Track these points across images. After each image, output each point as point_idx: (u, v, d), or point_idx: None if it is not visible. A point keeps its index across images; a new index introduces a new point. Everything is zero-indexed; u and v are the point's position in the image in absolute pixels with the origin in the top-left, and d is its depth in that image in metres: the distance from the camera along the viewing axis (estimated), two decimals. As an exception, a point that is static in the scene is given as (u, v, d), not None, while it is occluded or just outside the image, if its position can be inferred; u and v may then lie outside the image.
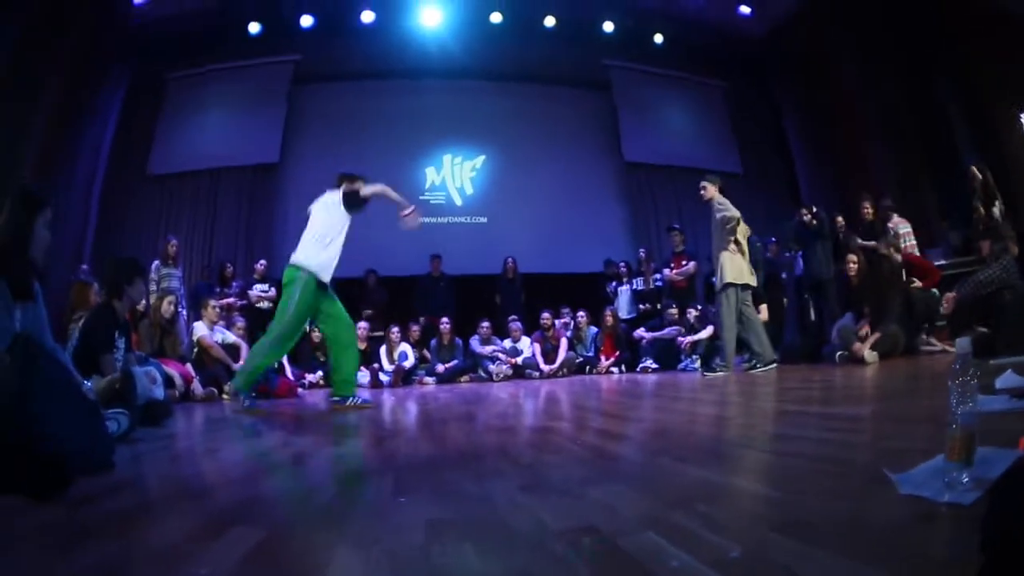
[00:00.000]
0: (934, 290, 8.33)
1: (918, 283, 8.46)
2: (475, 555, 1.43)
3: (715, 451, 2.76)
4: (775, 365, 7.99)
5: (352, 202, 6.21)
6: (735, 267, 8.09)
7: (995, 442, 1.64)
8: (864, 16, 12.16)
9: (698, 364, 9.82)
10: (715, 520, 1.53)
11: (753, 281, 8.33)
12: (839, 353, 8.06)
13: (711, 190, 8.29)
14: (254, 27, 13.82)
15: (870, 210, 9.74)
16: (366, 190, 6.26)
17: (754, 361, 8.06)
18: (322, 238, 6.13)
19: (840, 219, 10.07)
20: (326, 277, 6.13)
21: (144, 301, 7.98)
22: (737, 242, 8.17)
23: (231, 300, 10.83)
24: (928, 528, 1.36)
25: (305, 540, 1.77)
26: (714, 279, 8.31)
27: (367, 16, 14.04)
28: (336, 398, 6.19)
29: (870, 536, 1.33)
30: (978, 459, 1.52)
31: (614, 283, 12.62)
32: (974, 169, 9.24)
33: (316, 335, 10.00)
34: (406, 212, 6.58)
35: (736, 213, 8.11)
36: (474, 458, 2.96)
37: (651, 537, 1.41)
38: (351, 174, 6.49)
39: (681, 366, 10.29)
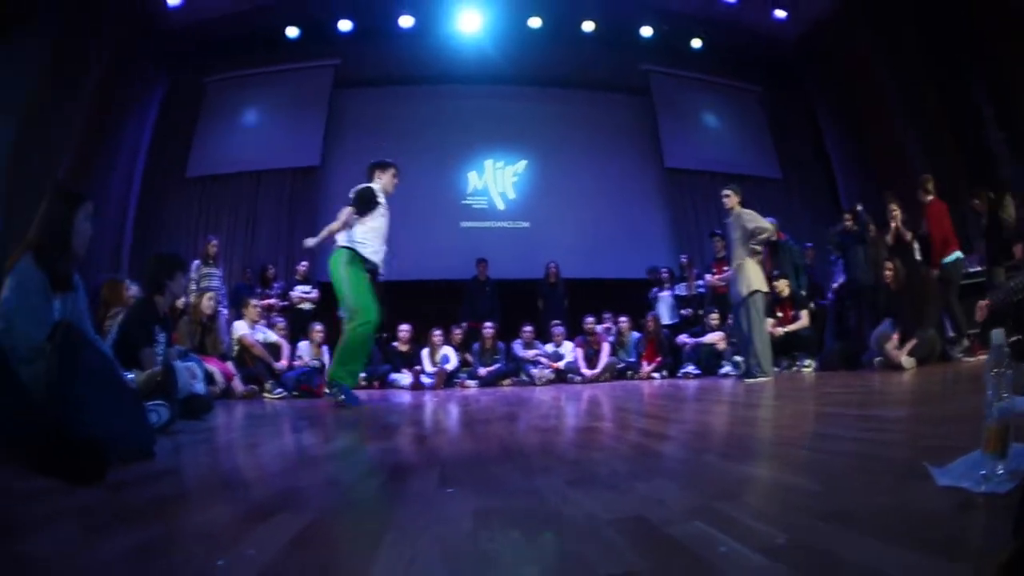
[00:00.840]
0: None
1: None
2: (524, 541, 1.43)
3: (758, 449, 2.82)
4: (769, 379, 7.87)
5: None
6: (759, 275, 8.13)
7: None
8: (897, 18, 11.98)
9: (740, 371, 9.68)
10: (760, 511, 1.58)
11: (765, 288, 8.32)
12: (876, 359, 8.06)
13: (734, 199, 8.28)
14: (292, 31, 13.89)
15: (896, 212, 9.51)
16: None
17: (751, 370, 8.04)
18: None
19: (872, 226, 9.88)
20: (364, 252, 6.15)
21: (184, 299, 8.03)
22: (758, 252, 8.21)
23: (272, 301, 10.84)
24: (965, 516, 1.39)
25: (352, 526, 1.76)
26: (733, 286, 8.20)
27: (406, 21, 14.01)
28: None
29: (910, 524, 1.34)
30: (1013, 453, 1.54)
31: (655, 288, 12.50)
32: (975, 203, 9.10)
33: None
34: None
35: (768, 225, 8.17)
36: (519, 455, 2.91)
37: (699, 526, 1.41)
38: (380, 162, 6.62)
39: (722, 372, 10.14)
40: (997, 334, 1.63)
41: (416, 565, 1.28)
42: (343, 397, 5.97)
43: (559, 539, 1.44)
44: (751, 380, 7.65)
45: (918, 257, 9.00)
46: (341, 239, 6.17)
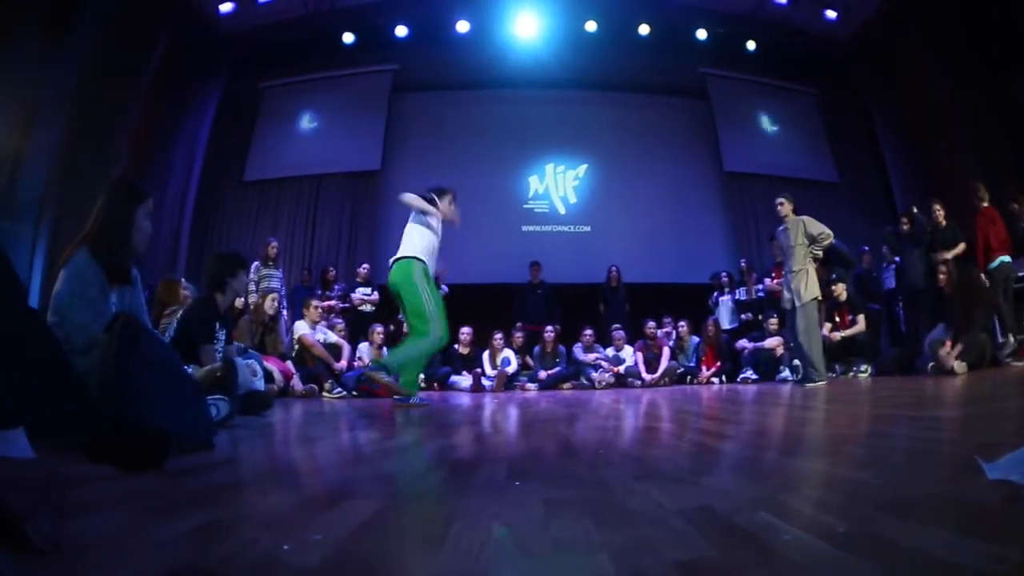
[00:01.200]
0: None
1: None
2: (595, 528, 1.38)
3: (816, 447, 2.89)
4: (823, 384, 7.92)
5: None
6: (816, 282, 8.20)
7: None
8: (944, 17, 11.80)
9: (798, 376, 9.54)
10: (821, 502, 1.62)
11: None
12: (930, 365, 8.10)
13: (788, 207, 8.40)
14: (348, 37, 14.04)
15: (941, 213, 9.45)
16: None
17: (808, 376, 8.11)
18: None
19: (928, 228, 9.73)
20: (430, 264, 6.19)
21: (244, 299, 8.10)
22: (819, 257, 8.34)
23: (332, 303, 10.90)
24: (1015, 506, 1.39)
25: (420, 514, 1.74)
26: (791, 291, 8.20)
27: (462, 26, 14.12)
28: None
29: (962, 513, 1.39)
30: None
31: (716, 293, 12.40)
32: (1014, 207, 9.08)
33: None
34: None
35: (829, 230, 8.24)
36: (583, 451, 2.89)
37: (763, 516, 1.42)
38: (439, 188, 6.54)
39: (780, 377, 10.05)
40: None
41: (489, 549, 1.27)
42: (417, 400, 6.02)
43: (628, 527, 1.40)
44: (811, 385, 7.71)
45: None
46: (413, 250, 6.15)
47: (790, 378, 9.53)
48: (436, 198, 6.37)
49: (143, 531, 1.42)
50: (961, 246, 9.07)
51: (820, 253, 8.24)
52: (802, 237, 8.15)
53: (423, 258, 6.11)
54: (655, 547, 1.23)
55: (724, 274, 12.42)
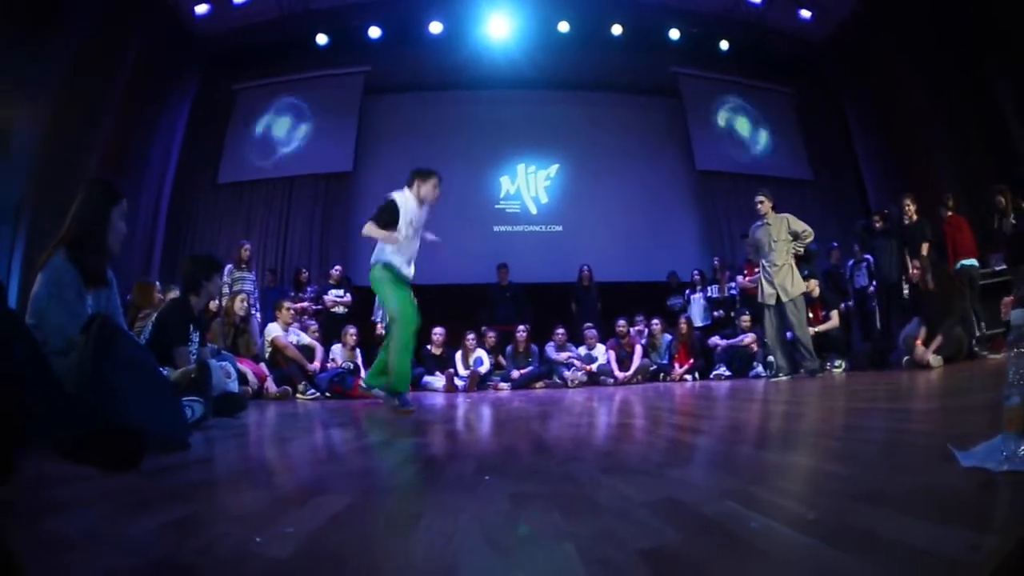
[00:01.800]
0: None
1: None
2: (563, 521, 1.41)
3: (790, 440, 2.87)
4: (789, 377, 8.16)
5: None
6: (800, 277, 8.37)
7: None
8: (919, 18, 11.90)
9: (773, 371, 9.63)
10: (792, 492, 1.64)
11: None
12: (905, 359, 8.13)
13: (767, 204, 8.49)
14: (322, 39, 13.96)
15: (912, 209, 9.51)
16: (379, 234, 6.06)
17: (778, 372, 8.32)
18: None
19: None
20: (400, 268, 6.06)
21: (217, 302, 8.09)
22: (800, 254, 8.46)
23: (305, 304, 10.88)
24: (988, 493, 1.42)
25: (391, 507, 1.77)
26: (773, 287, 8.32)
27: (435, 27, 14.07)
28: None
29: (936, 501, 1.40)
30: None
31: (688, 291, 12.49)
32: (999, 200, 9.02)
33: (380, 328, 10.16)
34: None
35: (811, 229, 8.42)
36: (554, 447, 2.95)
37: (731, 505, 1.45)
38: (421, 169, 6.41)
39: (753, 373, 10.11)
40: (1017, 314, 1.66)
41: (456, 540, 1.29)
42: (398, 403, 5.98)
43: (594, 518, 1.44)
44: (818, 374, 8.03)
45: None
46: (379, 253, 6.07)
47: (763, 374, 9.64)
48: (419, 180, 6.30)
49: (121, 526, 1.46)
50: (926, 246, 9.12)
51: (801, 250, 8.38)
52: (786, 233, 8.32)
53: (388, 259, 6.00)
54: (620, 537, 1.26)
55: (695, 272, 12.48)
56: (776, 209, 8.57)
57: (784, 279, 8.21)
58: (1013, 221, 8.78)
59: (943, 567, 1.01)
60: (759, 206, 8.51)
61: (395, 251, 6.04)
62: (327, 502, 1.66)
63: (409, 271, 6.09)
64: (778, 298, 8.25)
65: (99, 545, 1.30)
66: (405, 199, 6.09)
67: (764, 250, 8.49)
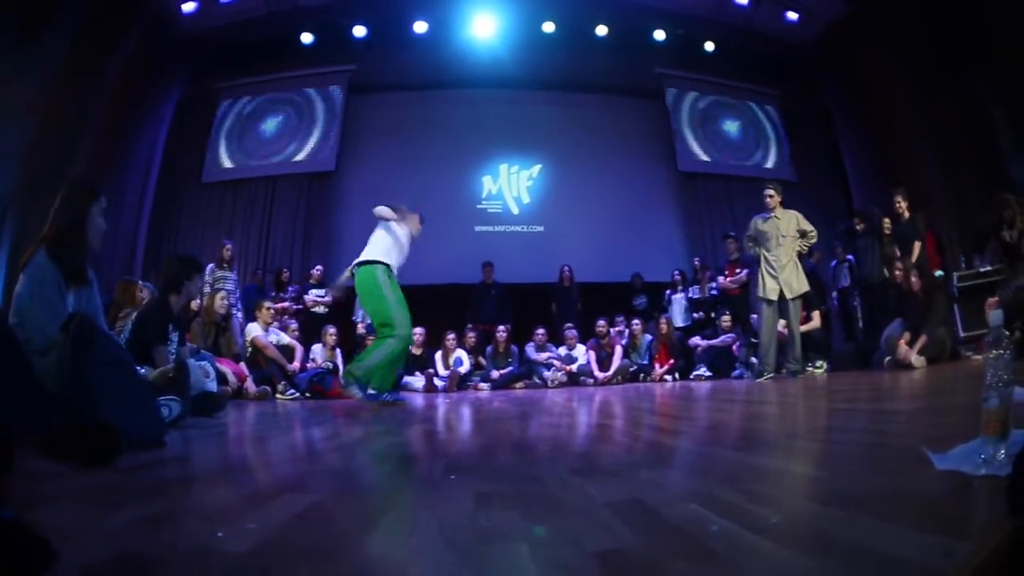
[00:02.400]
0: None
1: None
2: (521, 520, 1.44)
3: (764, 441, 2.81)
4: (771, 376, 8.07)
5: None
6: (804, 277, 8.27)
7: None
8: (907, 20, 11.95)
9: (756, 372, 9.68)
10: (759, 495, 1.58)
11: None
12: (887, 359, 8.12)
13: (777, 198, 8.34)
14: (307, 38, 13.95)
15: (903, 205, 9.52)
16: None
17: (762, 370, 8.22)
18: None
19: (887, 221, 9.87)
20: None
21: (198, 301, 8.10)
22: (804, 252, 8.39)
23: (286, 304, 10.90)
24: (965, 498, 1.39)
25: (355, 505, 1.79)
26: (778, 282, 8.19)
27: (420, 27, 14.06)
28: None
29: (908, 505, 1.36)
30: (1015, 438, 1.53)
31: (668, 291, 12.49)
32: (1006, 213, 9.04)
33: (361, 327, 10.31)
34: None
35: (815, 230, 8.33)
36: (527, 447, 2.97)
37: (694, 508, 1.45)
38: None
39: (735, 374, 10.16)
40: (995, 315, 1.63)
41: (414, 539, 1.34)
42: (392, 397, 6.12)
43: (554, 519, 1.47)
44: (799, 375, 7.97)
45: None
46: (376, 253, 6.21)
47: (745, 375, 9.70)
48: (407, 211, 6.48)
49: (93, 521, 1.50)
50: (918, 245, 9.15)
51: (806, 250, 8.38)
52: (795, 230, 8.24)
53: (387, 261, 6.16)
54: (577, 538, 1.27)
55: (676, 272, 12.49)
56: (758, 208, 8.55)
57: (790, 276, 8.13)
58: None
59: (911, 575, 1.00)
60: (768, 199, 8.34)
61: (389, 254, 6.19)
62: (293, 500, 1.71)
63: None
64: (781, 294, 8.13)
65: (70, 539, 1.33)
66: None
67: (769, 244, 8.31)
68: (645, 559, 1.15)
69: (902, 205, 9.48)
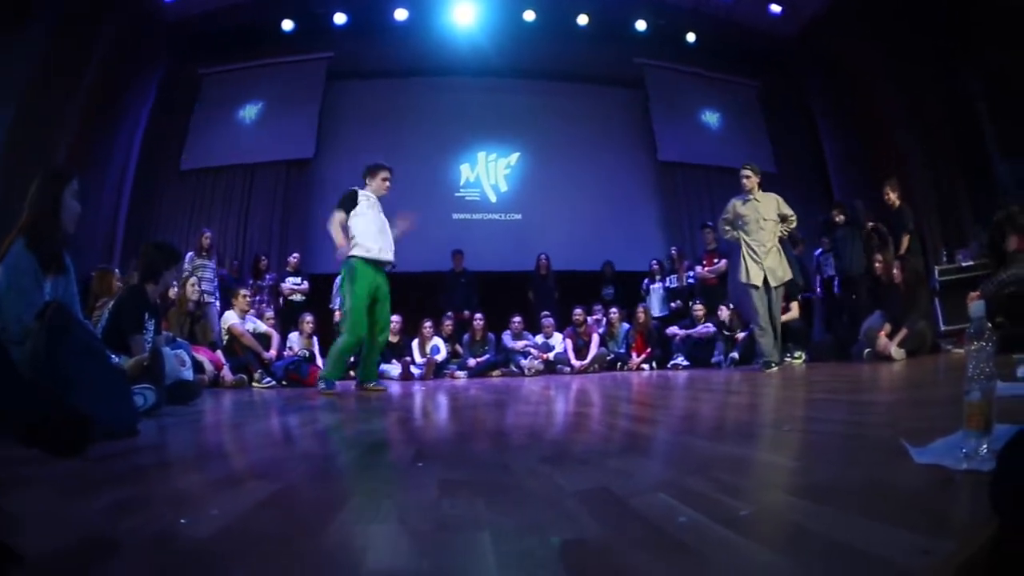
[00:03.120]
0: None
1: None
2: (486, 509, 1.44)
3: (739, 431, 2.80)
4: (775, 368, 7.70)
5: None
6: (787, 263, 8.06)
7: (1016, 423, 1.54)
8: (892, 15, 11.99)
9: (731, 364, 9.72)
10: (730, 485, 1.55)
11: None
12: (866, 351, 8.04)
13: (755, 179, 8.05)
14: (287, 24, 13.88)
15: (893, 196, 9.47)
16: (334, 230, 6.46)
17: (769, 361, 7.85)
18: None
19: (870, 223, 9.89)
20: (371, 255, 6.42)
21: (175, 289, 8.08)
22: (784, 237, 8.16)
23: (264, 285, 11.00)
24: (945, 492, 1.36)
25: (320, 492, 1.80)
26: (762, 269, 7.81)
27: (400, 14, 13.99)
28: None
29: (886, 499, 1.33)
30: (998, 433, 1.48)
31: (646, 280, 12.54)
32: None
33: (338, 315, 10.20)
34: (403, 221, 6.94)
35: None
36: (499, 435, 2.99)
37: (662, 498, 1.43)
38: (370, 165, 6.86)
39: (715, 360, 10.23)
40: (977, 307, 1.60)
41: (373, 526, 1.34)
42: (328, 387, 6.24)
43: (518, 508, 1.47)
44: (774, 368, 7.52)
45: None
46: (352, 248, 6.35)
47: (724, 363, 9.78)
48: (369, 177, 6.71)
49: (61, 507, 1.54)
50: (907, 238, 9.13)
51: (786, 234, 8.12)
52: (775, 213, 7.95)
53: (358, 253, 6.31)
54: (542, 527, 1.28)
55: (654, 262, 12.54)
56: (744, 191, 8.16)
57: (774, 263, 7.81)
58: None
59: (885, 573, 0.95)
60: (745, 180, 8.02)
61: (364, 237, 6.38)
62: (260, 487, 1.73)
63: (385, 256, 6.55)
64: (765, 280, 7.77)
65: (39, 524, 1.38)
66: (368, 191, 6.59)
67: (748, 227, 7.91)
68: (607, 549, 1.15)
69: (891, 196, 9.42)
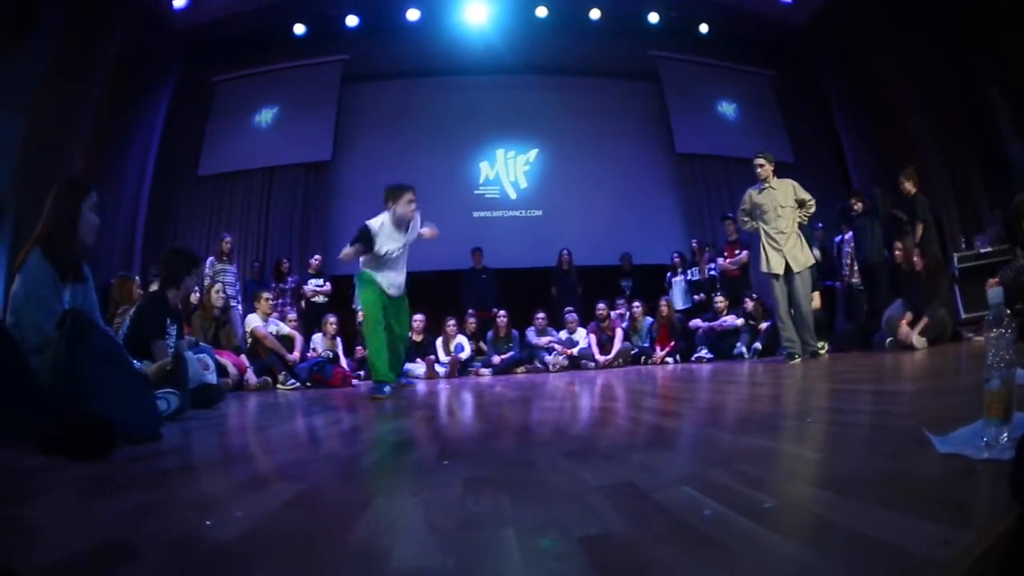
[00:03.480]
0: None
1: None
2: (510, 506, 1.43)
3: (762, 422, 2.73)
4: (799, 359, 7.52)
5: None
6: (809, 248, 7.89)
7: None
8: (903, 2, 11.93)
9: (754, 355, 9.68)
10: (754, 477, 1.54)
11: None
12: (888, 340, 7.95)
13: (768, 167, 7.92)
14: (299, 28, 13.92)
15: (909, 184, 9.33)
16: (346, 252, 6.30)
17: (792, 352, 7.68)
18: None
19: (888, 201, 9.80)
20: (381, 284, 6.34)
21: (197, 295, 8.11)
22: (805, 224, 7.99)
23: (287, 288, 11.04)
24: (966, 482, 1.34)
25: (344, 492, 1.79)
26: (782, 257, 7.67)
27: (412, 14, 14.00)
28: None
29: (908, 490, 1.31)
30: (1018, 421, 1.47)
31: (668, 274, 12.49)
32: None
33: (360, 316, 10.30)
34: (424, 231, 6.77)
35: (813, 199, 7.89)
36: (524, 432, 2.97)
37: (687, 491, 1.43)
38: (392, 188, 6.52)
39: (736, 351, 10.15)
40: (995, 293, 1.59)
41: (398, 525, 1.33)
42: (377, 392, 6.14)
43: (543, 504, 1.46)
44: (813, 356, 7.51)
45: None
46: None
47: (746, 354, 9.77)
48: (391, 200, 6.35)
49: (83, 511, 1.53)
50: (920, 227, 8.95)
51: (806, 220, 7.94)
52: (792, 199, 7.78)
53: (366, 269, 6.31)
54: (565, 523, 1.26)
55: (676, 254, 12.50)
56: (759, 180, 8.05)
57: (794, 248, 7.65)
58: None
59: (906, 564, 0.94)
60: (759, 169, 7.94)
61: (377, 270, 6.27)
62: (284, 488, 1.72)
63: (393, 292, 6.42)
64: (787, 267, 7.63)
65: (60, 529, 1.37)
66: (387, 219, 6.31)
67: (767, 216, 7.80)
68: (632, 544, 1.14)
69: (907, 184, 9.30)
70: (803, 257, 7.69)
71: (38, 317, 3.08)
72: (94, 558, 1.17)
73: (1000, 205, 10.27)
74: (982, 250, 9.25)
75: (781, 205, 7.78)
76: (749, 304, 10.28)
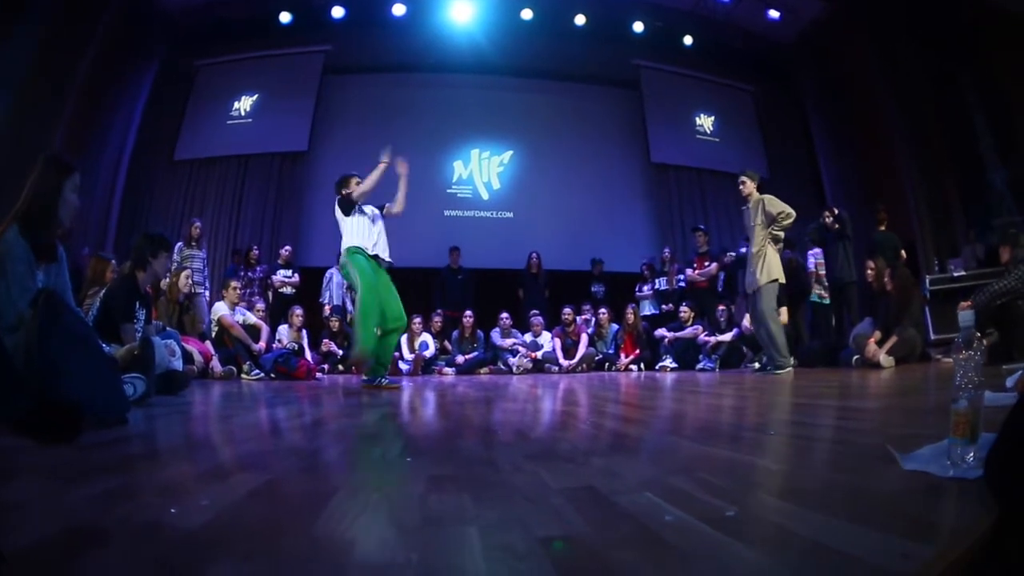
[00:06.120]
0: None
1: None
2: (472, 504, 1.45)
3: (724, 433, 2.80)
4: (790, 370, 7.69)
5: (345, 207, 6.50)
6: (779, 264, 7.86)
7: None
8: (890, 23, 12.06)
9: (716, 365, 9.78)
10: (714, 485, 1.56)
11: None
12: (855, 358, 7.99)
13: (751, 185, 8.04)
14: (285, 17, 13.91)
15: (883, 216, 9.65)
16: (357, 192, 6.49)
17: (766, 363, 7.94)
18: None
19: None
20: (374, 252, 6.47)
21: (167, 279, 8.07)
22: (780, 238, 7.95)
23: (255, 276, 11.00)
24: (929, 498, 1.37)
25: (308, 484, 1.80)
26: (749, 274, 7.92)
27: (398, 9, 14.05)
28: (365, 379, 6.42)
29: (870, 504, 1.35)
30: (983, 441, 1.48)
31: (639, 285, 12.59)
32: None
33: (327, 309, 10.58)
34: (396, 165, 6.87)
35: (791, 210, 7.82)
36: (485, 432, 2.98)
37: (648, 496, 1.44)
38: (343, 177, 6.74)
39: (699, 366, 10.23)
40: (965, 316, 1.65)
41: (361, 520, 1.35)
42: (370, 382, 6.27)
43: (505, 504, 1.48)
44: (779, 372, 7.49)
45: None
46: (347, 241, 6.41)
47: (709, 366, 9.84)
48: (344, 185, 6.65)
49: (50, 496, 1.54)
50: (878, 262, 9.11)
51: (781, 234, 7.86)
52: (760, 217, 7.81)
53: (355, 243, 6.40)
54: (527, 523, 1.27)
55: (644, 264, 12.61)
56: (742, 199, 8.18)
57: (756, 266, 7.75)
58: None
59: (864, 574, 0.98)
60: (741, 187, 8.08)
61: (360, 237, 6.40)
62: (248, 478, 1.73)
63: (381, 252, 6.59)
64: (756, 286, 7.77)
65: (26, 513, 1.38)
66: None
67: (748, 234, 8.04)
68: (593, 546, 1.15)
69: (882, 216, 9.54)
70: (760, 274, 7.75)
71: (13, 294, 3.07)
72: (62, 543, 1.18)
73: (976, 229, 10.46)
74: (955, 273, 9.37)
75: (751, 224, 7.89)
76: (722, 316, 10.36)
